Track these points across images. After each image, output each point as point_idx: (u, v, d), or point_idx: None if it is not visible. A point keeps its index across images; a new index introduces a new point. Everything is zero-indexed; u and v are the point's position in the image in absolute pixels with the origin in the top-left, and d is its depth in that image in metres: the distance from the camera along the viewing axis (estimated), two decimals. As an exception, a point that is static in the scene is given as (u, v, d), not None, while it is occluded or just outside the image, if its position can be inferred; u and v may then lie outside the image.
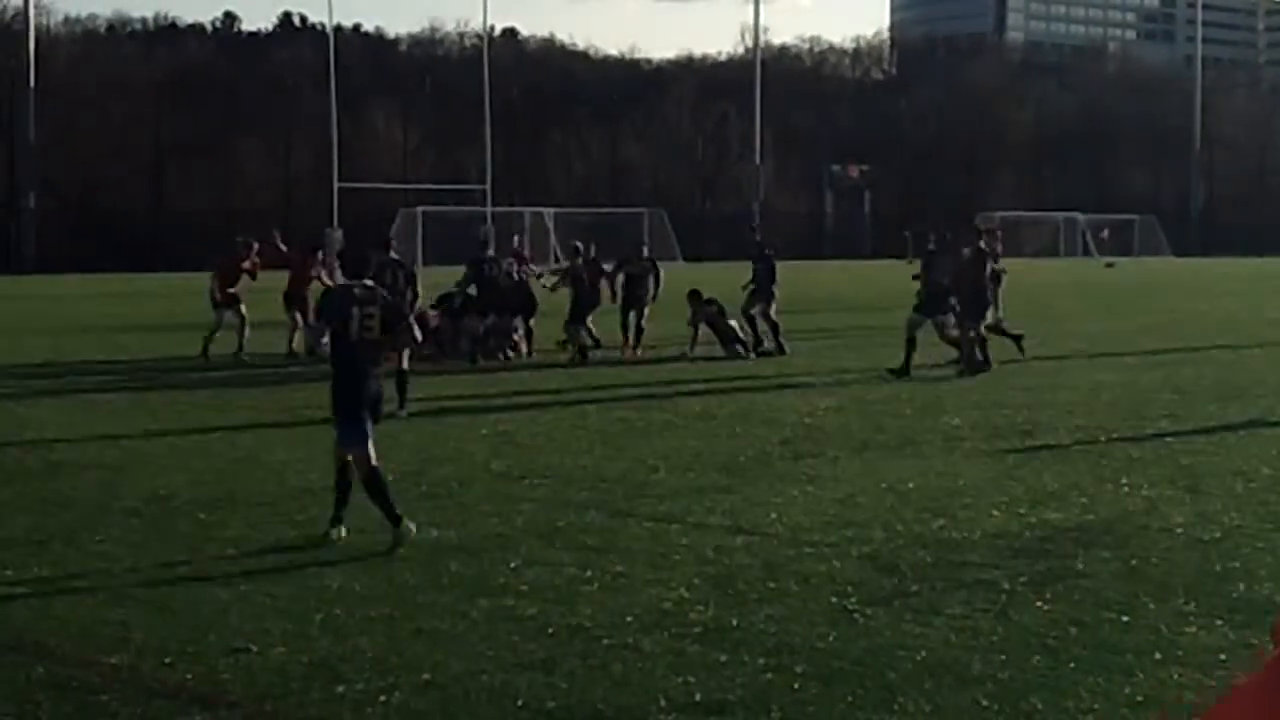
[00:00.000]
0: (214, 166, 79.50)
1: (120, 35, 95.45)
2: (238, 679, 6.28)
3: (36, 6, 72.34)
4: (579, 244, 23.90)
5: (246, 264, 22.08)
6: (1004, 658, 6.50)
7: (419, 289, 15.62)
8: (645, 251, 24.00)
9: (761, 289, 22.65)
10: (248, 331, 21.48)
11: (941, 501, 10.16)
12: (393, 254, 15.60)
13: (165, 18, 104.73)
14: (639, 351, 22.01)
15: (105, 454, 12.65)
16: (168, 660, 6.54)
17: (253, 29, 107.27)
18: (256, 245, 22.62)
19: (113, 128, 75.76)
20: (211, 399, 16.76)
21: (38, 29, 72.54)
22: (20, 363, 21.65)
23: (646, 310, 22.65)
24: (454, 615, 7.25)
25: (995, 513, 9.77)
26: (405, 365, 14.83)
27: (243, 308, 21.61)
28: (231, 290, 21.64)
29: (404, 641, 6.80)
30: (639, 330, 22.39)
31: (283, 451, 12.68)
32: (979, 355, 19.02)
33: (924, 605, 7.40)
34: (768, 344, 22.22)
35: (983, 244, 20.10)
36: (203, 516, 9.75)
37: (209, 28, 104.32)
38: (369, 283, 9.40)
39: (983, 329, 19.28)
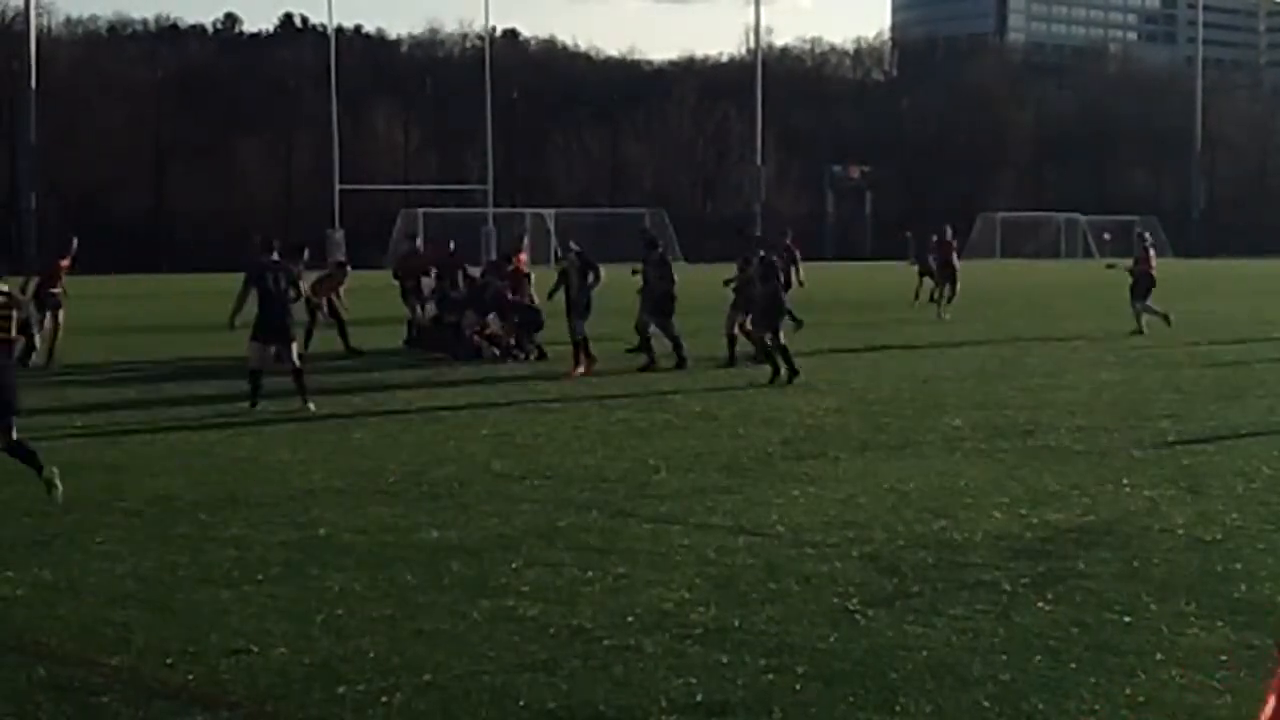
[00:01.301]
0: (215, 168, 79.54)
1: (121, 36, 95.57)
2: (239, 680, 6.27)
3: (38, 7, 72.39)
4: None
5: (65, 262, 21.46)
6: (1005, 658, 6.50)
7: (300, 289, 16.48)
8: (575, 245, 21.21)
9: (650, 293, 20.75)
10: (60, 335, 20.97)
11: (942, 502, 10.16)
12: (275, 256, 16.03)
13: (166, 19, 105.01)
14: (579, 369, 19.33)
15: (106, 454, 12.66)
16: (169, 661, 6.54)
17: (254, 30, 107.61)
18: (75, 242, 22.11)
19: (114, 129, 75.82)
20: (212, 399, 16.76)
21: (39, 30, 72.57)
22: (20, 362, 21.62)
23: (582, 320, 19.74)
24: (455, 616, 7.25)
25: (996, 513, 9.77)
26: (297, 364, 15.80)
27: (61, 314, 21.05)
28: (54, 290, 21.00)
29: (405, 642, 6.80)
30: (580, 344, 19.70)
31: (284, 452, 12.68)
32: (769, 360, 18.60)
33: (925, 606, 7.40)
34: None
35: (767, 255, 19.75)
36: (204, 517, 9.75)
37: (210, 29, 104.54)
38: (4, 288, 10.33)
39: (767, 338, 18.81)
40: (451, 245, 25.63)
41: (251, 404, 15.57)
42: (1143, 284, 26.74)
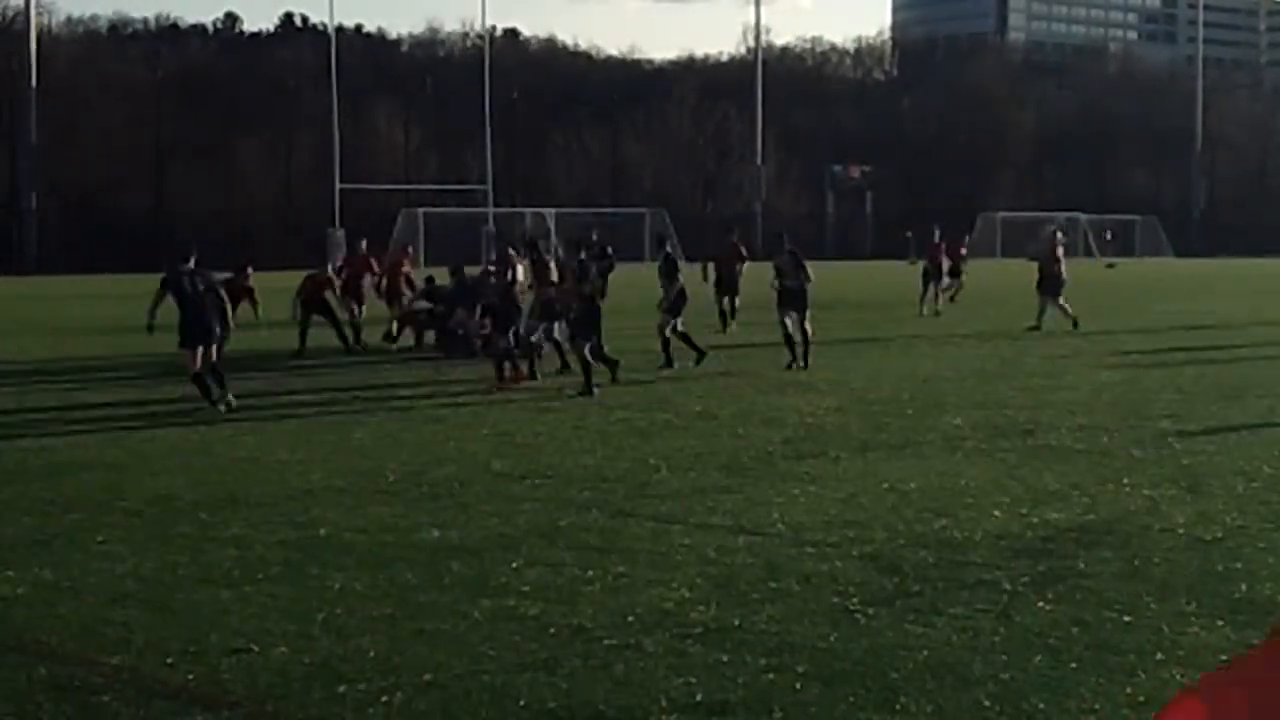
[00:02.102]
0: (215, 167, 79.58)
1: (122, 36, 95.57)
2: (239, 679, 6.27)
3: (38, 7, 72.47)
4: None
5: None
6: (1006, 658, 6.50)
7: (223, 294, 16.52)
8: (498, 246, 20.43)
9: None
10: None
11: (943, 501, 10.16)
12: (191, 264, 16.09)
13: (167, 18, 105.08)
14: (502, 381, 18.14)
15: (106, 454, 12.66)
16: (169, 661, 6.54)
17: (254, 30, 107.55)
18: None
19: (114, 128, 75.83)
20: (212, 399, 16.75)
21: (39, 29, 72.63)
22: (20, 362, 21.66)
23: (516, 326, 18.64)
24: (455, 615, 7.25)
25: (997, 513, 9.76)
26: (215, 360, 15.94)
27: None
28: None
29: (405, 642, 6.80)
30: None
31: (284, 452, 12.68)
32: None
33: (926, 605, 7.40)
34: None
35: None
36: (204, 517, 9.75)
37: (210, 28, 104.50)
38: None
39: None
40: (409, 250, 26.43)
41: (210, 403, 15.53)
42: (1052, 285, 26.66)
